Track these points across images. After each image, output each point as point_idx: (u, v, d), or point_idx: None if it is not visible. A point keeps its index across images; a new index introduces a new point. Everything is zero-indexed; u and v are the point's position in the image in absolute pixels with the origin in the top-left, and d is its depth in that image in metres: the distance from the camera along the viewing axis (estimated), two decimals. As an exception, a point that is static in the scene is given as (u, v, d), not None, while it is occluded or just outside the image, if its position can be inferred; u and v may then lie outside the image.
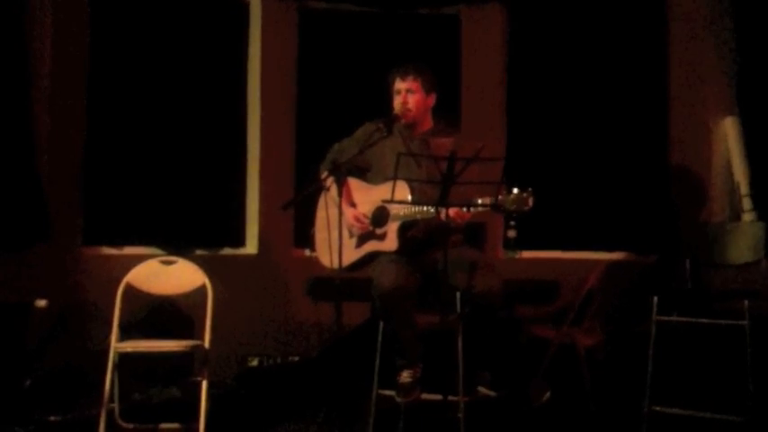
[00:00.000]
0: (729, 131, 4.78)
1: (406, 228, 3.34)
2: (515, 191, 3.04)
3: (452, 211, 3.16)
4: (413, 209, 3.26)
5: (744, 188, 4.65)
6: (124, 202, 4.64)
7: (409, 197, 3.24)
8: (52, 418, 3.67)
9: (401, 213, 3.32)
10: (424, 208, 3.22)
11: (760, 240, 3.81)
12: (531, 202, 3.03)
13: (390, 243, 3.35)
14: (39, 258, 4.32)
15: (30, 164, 4.32)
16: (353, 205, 3.49)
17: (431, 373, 3.36)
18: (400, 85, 3.43)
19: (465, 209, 3.16)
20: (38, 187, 4.33)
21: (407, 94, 3.42)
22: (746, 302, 3.44)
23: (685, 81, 4.88)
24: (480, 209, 3.13)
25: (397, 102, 3.44)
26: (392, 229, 3.35)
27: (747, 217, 4.60)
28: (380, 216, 3.40)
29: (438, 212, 3.12)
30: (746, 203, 4.62)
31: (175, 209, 4.68)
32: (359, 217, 3.43)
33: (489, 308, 3.27)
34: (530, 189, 3.04)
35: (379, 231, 3.40)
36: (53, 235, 4.36)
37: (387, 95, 3.50)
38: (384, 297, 3.21)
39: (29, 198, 4.29)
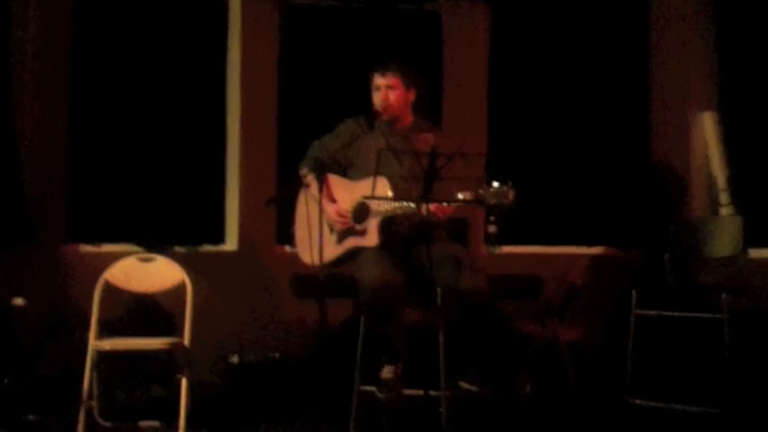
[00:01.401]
0: (707, 126, 4.82)
1: (387, 223, 3.34)
2: (495, 184, 3.04)
3: (433, 207, 3.16)
4: (394, 204, 3.26)
5: (721, 182, 4.70)
6: (102, 199, 4.61)
7: (390, 193, 3.24)
8: (31, 417, 3.63)
9: (382, 209, 3.31)
10: (404, 203, 3.22)
11: (738, 234, 3.84)
12: (511, 195, 3.03)
13: (371, 239, 3.34)
14: (21, 257, 4.29)
15: (13, 162, 4.29)
16: (334, 201, 3.48)
17: (414, 369, 3.36)
18: (380, 81, 3.43)
19: (446, 204, 3.16)
20: (21, 186, 4.29)
21: (387, 91, 3.42)
22: (725, 296, 3.46)
23: (667, 76, 4.91)
24: (461, 204, 3.13)
25: (378, 98, 3.44)
26: (373, 224, 3.35)
27: (725, 211, 4.65)
28: (361, 212, 3.40)
29: (419, 208, 3.12)
30: (724, 197, 4.66)
31: (154, 206, 4.65)
32: (341, 212, 3.42)
33: (476, 307, 3.27)
34: (510, 182, 3.04)
35: (359, 227, 3.40)
36: (36, 234, 4.32)
37: (368, 92, 3.49)
38: (370, 294, 3.20)
39: (11, 197, 4.25)
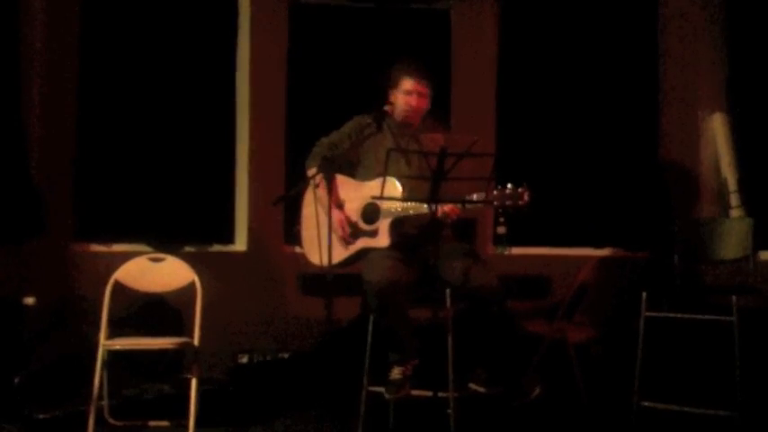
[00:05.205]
0: (718, 127, 4.80)
1: (397, 224, 3.33)
2: (510, 186, 3.04)
3: (447, 208, 3.15)
4: (405, 205, 3.25)
5: (732, 184, 4.68)
6: (113, 198, 4.63)
7: (399, 194, 3.23)
8: (41, 415, 3.65)
9: (393, 209, 3.30)
10: (416, 204, 3.21)
11: (748, 236, 3.82)
12: (527, 196, 3.02)
13: (383, 239, 3.33)
14: (30, 254, 4.31)
15: (22, 160, 4.31)
16: (341, 204, 3.45)
17: (423, 370, 3.36)
18: (414, 86, 3.40)
19: (460, 205, 3.15)
20: (30, 183, 4.32)
21: (420, 98, 3.41)
22: (734, 298, 3.45)
23: (677, 77, 4.89)
24: (474, 205, 3.12)
25: (406, 102, 3.41)
26: (384, 225, 3.33)
27: (735, 213, 4.63)
28: (371, 212, 3.38)
29: (432, 208, 3.10)
30: (734, 199, 4.64)
31: (164, 206, 4.67)
32: (342, 222, 3.40)
33: (486, 303, 3.26)
34: (524, 184, 3.03)
35: (370, 228, 3.39)
36: (48, 230, 4.35)
37: (383, 89, 3.46)
38: (378, 293, 3.19)
39: (21, 194, 4.28)
